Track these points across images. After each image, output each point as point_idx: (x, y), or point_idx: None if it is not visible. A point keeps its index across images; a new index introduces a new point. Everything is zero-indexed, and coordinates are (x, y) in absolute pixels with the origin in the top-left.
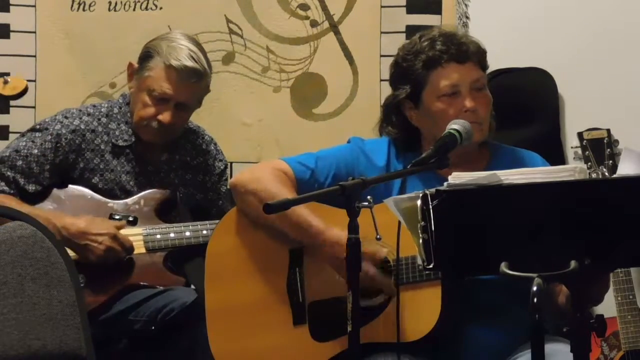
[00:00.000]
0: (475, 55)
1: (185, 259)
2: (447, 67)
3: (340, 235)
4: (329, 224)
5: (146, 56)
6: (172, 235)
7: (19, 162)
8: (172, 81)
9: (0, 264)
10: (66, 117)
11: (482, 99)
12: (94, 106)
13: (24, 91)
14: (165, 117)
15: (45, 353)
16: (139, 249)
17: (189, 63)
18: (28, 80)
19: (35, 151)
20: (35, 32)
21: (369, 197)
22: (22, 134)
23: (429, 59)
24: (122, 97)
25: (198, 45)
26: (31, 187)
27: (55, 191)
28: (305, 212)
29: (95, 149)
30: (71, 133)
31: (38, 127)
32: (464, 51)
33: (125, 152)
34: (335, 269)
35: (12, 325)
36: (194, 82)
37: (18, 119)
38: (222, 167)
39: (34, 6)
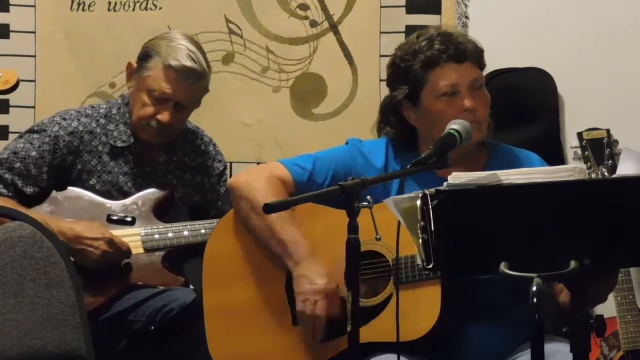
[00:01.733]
0: (473, 54)
1: (183, 259)
2: (446, 67)
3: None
4: (309, 248)
5: (145, 56)
6: (170, 234)
7: (17, 164)
8: (171, 81)
9: (0, 264)
10: (64, 119)
11: (480, 98)
12: (93, 107)
13: (16, 85)
14: (164, 116)
15: (45, 353)
16: (137, 249)
17: (188, 63)
18: (28, 81)
19: (34, 153)
20: (35, 32)
21: (368, 197)
22: (20, 136)
23: (427, 59)
24: (121, 97)
25: (197, 45)
26: (29, 189)
27: (53, 193)
28: (290, 234)
29: (93, 151)
30: (69, 135)
31: (36, 128)
32: (462, 51)
33: (123, 153)
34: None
35: (12, 325)
36: (192, 82)
37: (18, 119)
38: (221, 168)
39: (34, 6)
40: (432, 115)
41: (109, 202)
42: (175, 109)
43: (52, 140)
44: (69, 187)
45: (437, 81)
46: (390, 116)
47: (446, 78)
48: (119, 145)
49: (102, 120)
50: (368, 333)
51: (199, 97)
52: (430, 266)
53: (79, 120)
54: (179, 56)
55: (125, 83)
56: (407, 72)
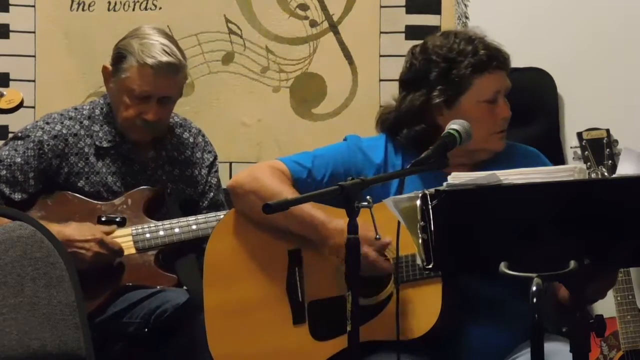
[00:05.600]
0: (508, 63)
1: (176, 256)
2: (494, 74)
3: (344, 225)
4: (331, 215)
5: (119, 57)
6: (161, 233)
7: (3, 172)
8: (150, 79)
9: (0, 264)
10: (47, 123)
11: (508, 107)
12: (76, 109)
13: (20, 104)
14: (149, 115)
15: (44, 353)
16: (129, 249)
17: (164, 58)
18: (28, 81)
19: (19, 160)
20: (34, 32)
21: (368, 197)
22: (5, 143)
23: (477, 63)
24: (103, 97)
25: (170, 37)
26: (17, 196)
27: (42, 198)
28: (307, 206)
29: (79, 153)
30: (53, 139)
31: (20, 134)
32: (505, 59)
33: (110, 153)
34: (339, 259)
35: (11, 325)
36: (171, 76)
37: (18, 119)
38: (211, 159)
39: (34, 6)
40: (469, 119)
41: (98, 204)
42: (158, 104)
43: (36, 145)
44: (57, 191)
45: (483, 87)
46: (418, 116)
47: (493, 85)
48: (104, 145)
49: (86, 122)
50: (368, 332)
51: (180, 88)
52: (430, 266)
53: (62, 123)
54: (153, 53)
55: (104, 86)
56: (451, 73)
